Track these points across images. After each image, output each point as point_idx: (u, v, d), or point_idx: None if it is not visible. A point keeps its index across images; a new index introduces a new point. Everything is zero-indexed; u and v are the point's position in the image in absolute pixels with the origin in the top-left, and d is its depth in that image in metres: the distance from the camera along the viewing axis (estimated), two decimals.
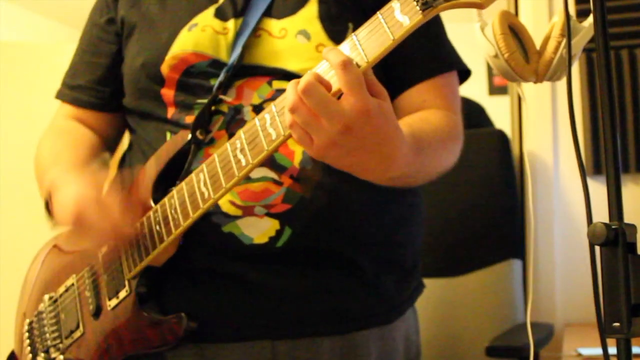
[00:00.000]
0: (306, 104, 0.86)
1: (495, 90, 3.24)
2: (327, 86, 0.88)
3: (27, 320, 1.30)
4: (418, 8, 0.87)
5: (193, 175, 1.07)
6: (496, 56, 1.28)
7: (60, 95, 1.37)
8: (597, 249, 0.79)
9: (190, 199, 1.06)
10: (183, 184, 1.08)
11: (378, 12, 0.91)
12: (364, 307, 1.19)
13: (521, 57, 1.28)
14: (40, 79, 3.08)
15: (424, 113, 1.18)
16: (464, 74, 1.31)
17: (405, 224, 1.25)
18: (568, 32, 0.86)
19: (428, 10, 0.87)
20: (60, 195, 1.14)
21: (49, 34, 4.49)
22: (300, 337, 1.15)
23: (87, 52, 1.35)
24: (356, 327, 1.18)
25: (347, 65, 0.86)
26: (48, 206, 1.18)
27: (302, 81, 0.87)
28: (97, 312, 1.18)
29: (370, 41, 0.90)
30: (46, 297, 1.28)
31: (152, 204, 1.13)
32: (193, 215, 1.06)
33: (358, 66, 0.89)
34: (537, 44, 1.30)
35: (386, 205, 1.19)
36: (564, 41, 1.25)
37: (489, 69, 1.15)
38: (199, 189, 1.05)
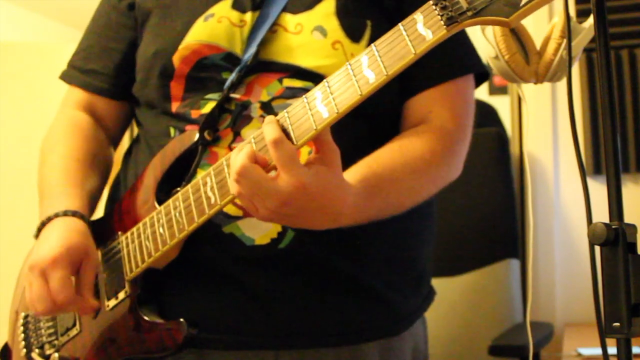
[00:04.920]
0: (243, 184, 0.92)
1: (495, 90, 3.23)
2: (263, 162, 0.93)
3: (23, 314, 1.29)
4: (442, 22, 0.85)
5: (199, 178, 1.05)
6: (497, 57, 1.28)
7: (70, 79, 1.33)
8: (597, 249, 0.79)
9: (196, 204, 1.04)
10: (189, 187, 1.06)
11: (400, 24, 0.89)
12: (371, 318, 1.15)
13: (521, 59, 1.28)
14: (40, 79, 3.08)
15: (404, 140, 1.12)
16: (482, 75, 1.26)
17: (415, 234, 1.21)
18: (568, 33, 0.86)
19: (453, 25, 0.85)
20: (48, 232, 1.13)
21: (49, 34, 4.49)
22: (305, 347, 1.12)
23: (104, 37, 1.31)
24: (362, 339, 1.14)
25: (277, 143, 0.90)
26: (40, 229, 1.16)
27: (237, 163, 0.91)
28: (95, 311, 1.17)
29: (390, 53, 0.88)
30: None
31: (157, 205, 1.11)
32: (198, 221, 1.04)
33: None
34: (538, 44, 1.30)
35: (396, 218, 1.13)
36: (564, 42, 1.25)
37: (489, 69, 1.17)
38: (205, 193, 1.03)
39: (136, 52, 1.26)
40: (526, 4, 0.81)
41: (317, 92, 0.93)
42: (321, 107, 0.92)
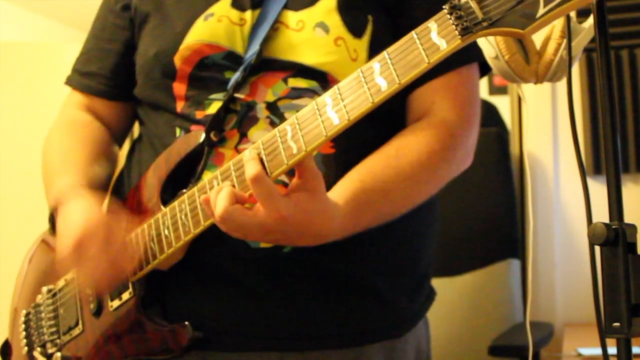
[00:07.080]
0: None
1: (495, 90, 3.23)
2: (242, 199, 0.96)
3: (24, 312, 1.29)
4: (457, 32, 0.84)
5: (206, 181, 1.04)
6: (497, 57, 1.28)
7: (70, 82, 1.34)
8: (597, 249, 0.79)
9: (203, 206, 1.03)
10: (195, 189, 1.05)
11: (413, 32, 0.88)
12: (374, 320, 1.15)
13: (521, 59, 1.28)
14: (40, 79, 3.08)
15: (402, 142, 1.11)
16: (484, 66, 1.24)
17: (419, 235, 1.21)
18: (568, 34, 0.86)
19: (467, 35, 0.84)
20: (66, 215, 1.12)
21: (49, 34, 4.49)
22: (309, 349, 1.12)
23: (100, 39, 1.32)
24: (366, 341, 1.14)
25: (257, 180, 0.93)
26: (53, 218, 1.16)
27: (219, 209, 0.95)
28: (98, 311, 1.17)
29: (403, 62, 0.88)
30: (44, 289, 1.26)
31: (162, 206, 1.11)
32: (205, 223, 1.03)
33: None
34: (538, 44, 1.31)
35: (400, 220, 1.13)
36: (564, 42, 1.25)
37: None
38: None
39: (133, 52, 1.26)
40: (542, 16, 0.80)
41: (327, 98, 0.93)
42: (332, 113, 0.92)
